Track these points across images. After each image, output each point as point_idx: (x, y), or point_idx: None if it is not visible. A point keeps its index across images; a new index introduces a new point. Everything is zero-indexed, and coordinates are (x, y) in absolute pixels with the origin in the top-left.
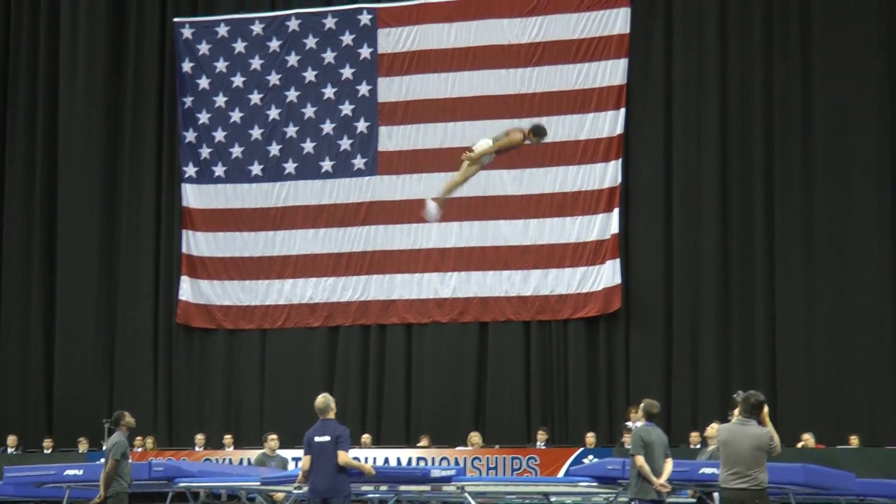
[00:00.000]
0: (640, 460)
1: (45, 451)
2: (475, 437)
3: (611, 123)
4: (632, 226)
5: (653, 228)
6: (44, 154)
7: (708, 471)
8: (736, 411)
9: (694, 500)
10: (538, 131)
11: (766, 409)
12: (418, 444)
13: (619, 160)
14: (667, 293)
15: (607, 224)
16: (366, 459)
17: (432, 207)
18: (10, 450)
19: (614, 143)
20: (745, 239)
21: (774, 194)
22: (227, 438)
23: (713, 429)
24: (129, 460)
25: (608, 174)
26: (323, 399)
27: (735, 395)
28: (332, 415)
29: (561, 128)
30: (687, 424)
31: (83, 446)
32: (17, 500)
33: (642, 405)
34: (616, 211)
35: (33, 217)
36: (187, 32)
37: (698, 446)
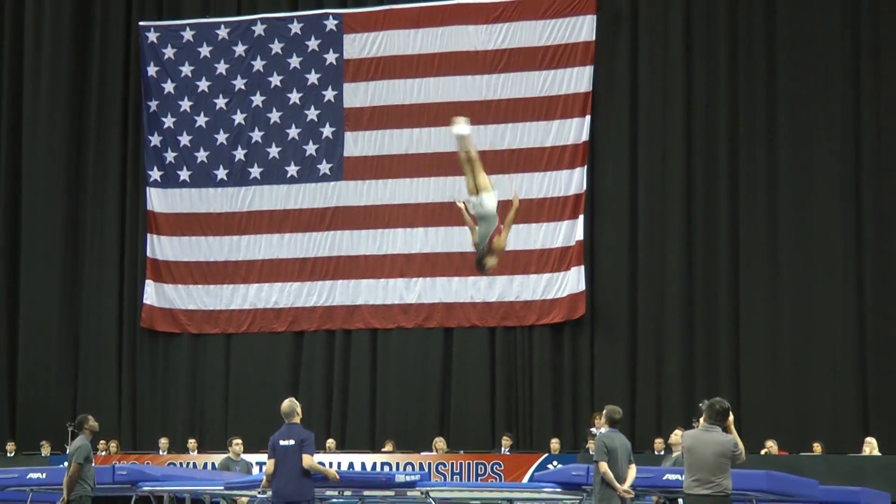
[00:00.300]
0: (604, 466)
1: (8, 455)
2: (440, 442)
3: (576, 130)
4: (597, 233)
5: (618, 235)
6: (7, 156)
7: (672, 477)
8: (701, 419)
9: None
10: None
11: (731, 416)
12: (383, 450)
13: (585, 167)
14: (631, 300)
15: (572, 231)
16: (330, 464)
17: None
18: None
19: (580, 150)
20: (710, 246)
21: (739, 202)
22: (192, 442)
23: (677, 435)
24: (93, 464)
25: (574, 181)
26: (289, 403)
27: (700, 404)
28: (297, 419)
29: (526, 135)
30: (651, 431)
31: (46, 449)
32: None
33: (605, 411)
34: (581, 218)
35: None
36: (152, 36)
37: (662, 452)
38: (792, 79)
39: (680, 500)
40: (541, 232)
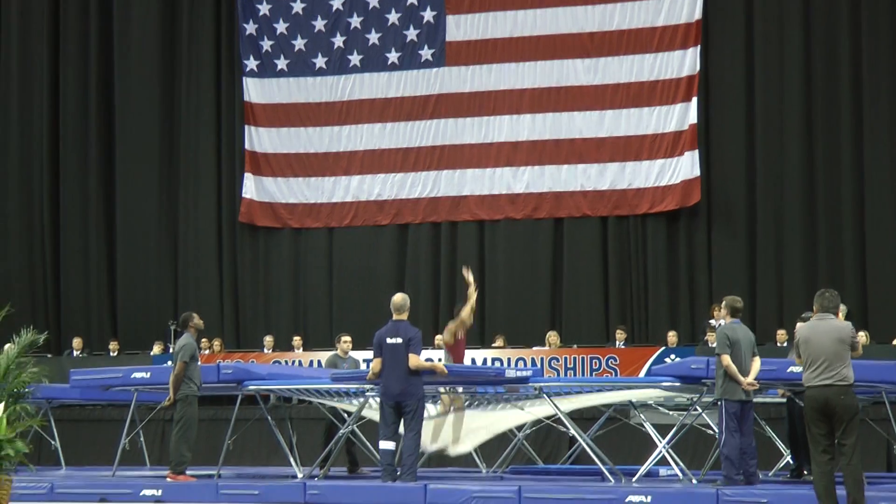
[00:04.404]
0: (727, 359)
1: (112, 354)
2: (553, 336)
3: (689, 8)
4: (712, 116)
5: (734, 118)
6: (98, 51)
7: (797, 369)
8: (815, 309)
9: (783, 400)
10: None
11: (842, 309)
12: (493, 345)
13: (698, 47)
14: (749, 185)
15: (686, 114)
16: (439, 360)
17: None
18: (75, 352)
19: (692, 29)
20: (831, 126)
21: (862, 79)
22: (297, 340)
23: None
24: (199, 363)
25: (686, 62)
26: (402, 297)
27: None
28: (405, 315)
29: (636, 14)
30: (773, 322)
31: (158, 348)
32: (83, 403)
33: (725, 301)
34: (695, 100)
35: (89, 116)
36: None
37: (785, 344)
38: None
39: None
40: (653, 116)
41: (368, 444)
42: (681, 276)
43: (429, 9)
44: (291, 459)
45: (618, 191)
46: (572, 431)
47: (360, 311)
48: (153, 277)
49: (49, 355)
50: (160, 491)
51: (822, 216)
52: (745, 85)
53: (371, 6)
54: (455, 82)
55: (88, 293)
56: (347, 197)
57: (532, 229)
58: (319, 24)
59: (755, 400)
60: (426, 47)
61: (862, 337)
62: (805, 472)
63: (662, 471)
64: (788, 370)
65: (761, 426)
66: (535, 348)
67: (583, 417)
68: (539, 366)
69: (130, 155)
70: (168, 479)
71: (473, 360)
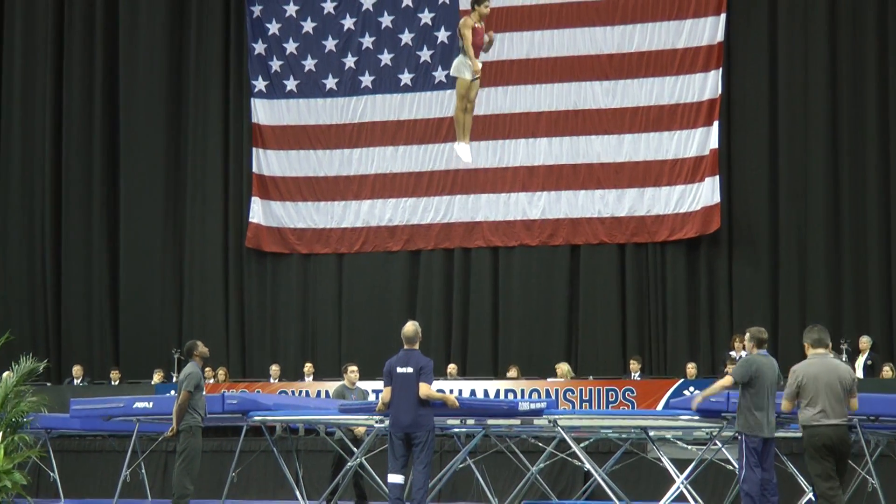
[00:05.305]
0: (729, 381)
1: (113, 383)
2: (562, 367)
3: (711, 30)
4: (734, 141)
5: (756, 143)
6: (103, 69)
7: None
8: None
9: None
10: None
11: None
12: (507, 376)
13: (720, 70)
14: (772, 213)
15: (707, 139)
16: (451, 391)
17: (464, 151)
18: (76, 381)
19: (714, 52)
20: (858, 152)
21: (890, 100)
22: (308, 367)
23: None
24: (203, 392)
25: (708, 85)
26: (413, 327)
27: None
28: (417, 345)
29: (657, 35)
30: (796, 354)
31: (158, 377)
32: (84, 433)
33: (750, 333)
34: (716, 124)
35: (93, 137)
36: None
37: None
38: None
39: None
40: (673, 140)
41: (377, 477)
42: (701, 306)
43: (443, 29)
44: (298, 493)
45: (636, 217)
46: (587, 465)
47: (370, 340)
48: (157, 304)
49: (49, 384)
50: None
51: (848, 244)
52: (768, 108)
53: (384, 26)
54: None
55: (90, 319)
56: (358, 222)
57: (548, 256)
58: (330, 43)
59: (777, 435)
60: (440, 68)
61: (887, 371)
62: None
63: None
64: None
65: (783, 461)
66: (549, 380)
67: (598, 451)
68: (553, 398)
69: (135, 177)
70: None
71: (486, 392)
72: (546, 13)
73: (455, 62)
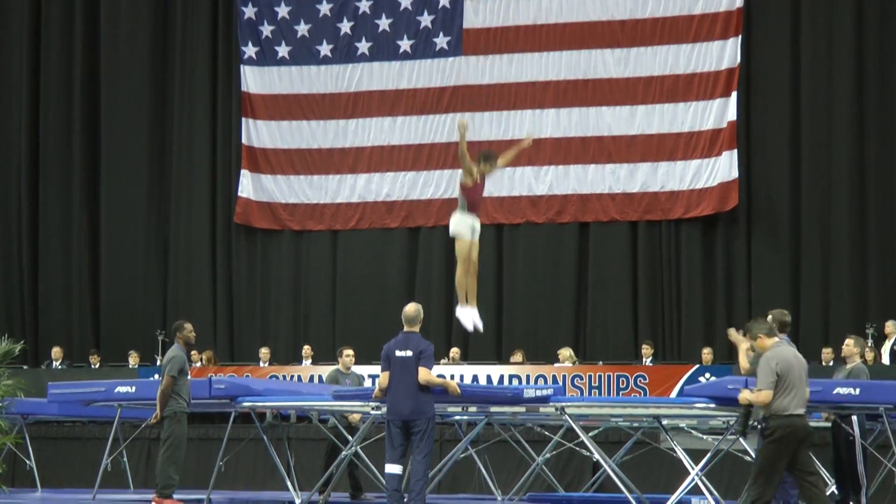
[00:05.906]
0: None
1: (93, 367)
2: (564, 352)
3: None
4: (753, 112)
5: (777, 115)
6: (83, 33)
7: (843, 391)
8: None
9: (828, 425)
10: (487, 157)
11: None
12: (511, 361)
13: (739, 37)
14: (793, 189)
15: (724, 110)
16: (452, 377)
17: (467, 317)
18: (55, 363)
19: (733, 18)
20: (885, 124)
21: None
22: (306, 350)
23: (849, 345)
24: (188, 377)
25: (726, 53)
26: (415, 308)
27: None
28: (418, 328)
29: (672, 1)
30: (818, 338)
31: (133, 360)
32: (62, 419)
33: (771, 316)
34: (734, 95)
35: (72, 106)
36: None
37: (832, 363)
38: None
39: (854, 418)
40: (688, 112)
41: (373, 467)
42: (717, 288)
43: None
44: (289, 483)
45: (649, 193)
46: (596, 456)
47: (367, 322)
48: (140, 283)
49: (25, 367)
50: None
51: (874, 222)
52: (789, 79)
53: None
54: (472, 73)
55: (69, 299)
56: (353, 197)
57: (555, 235)
58: (325, 7)
59: None
60: (441, 34)
61: None
62: (850, 503)
63: (695, 500)
64: (834, 392)
65: None
66: (556, 365)
67: (608, 441)
68: (561, 384)
69: (117, 149)
70: None
71: (489, 378)
72: None
73: (453, 220)
